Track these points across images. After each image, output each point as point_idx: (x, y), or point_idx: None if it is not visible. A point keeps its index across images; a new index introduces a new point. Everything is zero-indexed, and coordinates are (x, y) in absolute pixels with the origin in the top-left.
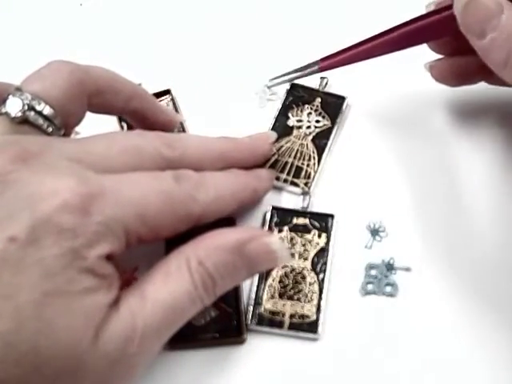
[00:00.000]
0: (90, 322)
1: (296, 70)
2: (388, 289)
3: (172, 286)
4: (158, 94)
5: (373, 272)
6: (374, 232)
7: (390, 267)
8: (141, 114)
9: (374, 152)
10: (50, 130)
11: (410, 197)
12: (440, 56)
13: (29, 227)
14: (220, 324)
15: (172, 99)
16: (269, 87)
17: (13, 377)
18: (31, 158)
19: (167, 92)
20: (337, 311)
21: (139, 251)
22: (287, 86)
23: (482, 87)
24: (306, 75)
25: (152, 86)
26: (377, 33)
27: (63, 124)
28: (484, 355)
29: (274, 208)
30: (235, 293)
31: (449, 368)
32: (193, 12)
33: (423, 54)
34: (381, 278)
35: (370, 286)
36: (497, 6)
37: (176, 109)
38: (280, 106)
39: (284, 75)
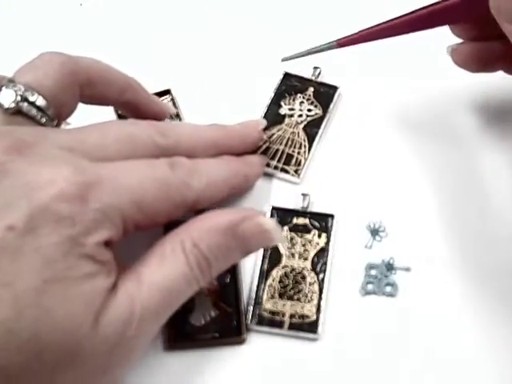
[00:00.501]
0: (90, 308)
1: (312, 50)
2: (388, 289)
3: (167, 269)
4: (158, 94)
5: (373, 272)
6: (374, 232)
7: (389, 267)
8: (134, 105)
9: (364, 141)
10: (44, 120)
11: (409, 196)
12: (461, 40)
13: (26, 216)
14: (220, 324)
15: (172, 99)
16: (283, 60)
17: (14, 363)
18: (26, 149)
19: (167, 92)
20: (337, 311)
21: (139, 239)
22: (281, 75)
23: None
24: (323, 50)
25: (152, 85)
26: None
27: (56, 114)
28: (484, 355)
29: (274, 208)
30: (235, 293)
31: (449, 368)
32: (193, 12)
33: (414, 42)
34: (381, 278)
35: (369, 286)
36: None
37: (176, 109)
38: (273, 94)
39: (298, 55)
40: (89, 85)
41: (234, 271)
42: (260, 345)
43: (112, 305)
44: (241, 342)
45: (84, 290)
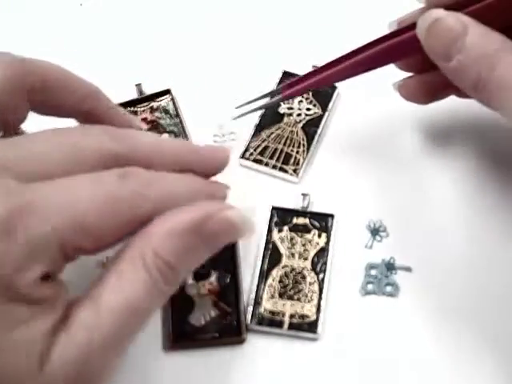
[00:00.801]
0: (31, 354)
1: (258, 98)
2: (388, 289)
3: (128, 288)
4: (158, 94)
5: (373, 272)
6: (374, 232)
7: (390, 267)
8: (95, 115)
9: (363, 140)
10: None
11: (409, 195)
12: (408, 74)
13: None
14: (220, 324)
15: (172, 99)
16: (234, 118)
17: None
18: None
19: (167, 92)
20: (337, 311)
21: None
22: (279, 76)
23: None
24: (269, 105)
25: (152, 86)
26: (339, 56)
27: (1, 123)
28: (485, 355)
29: (274, 208)
30: (235, 293)
31: (449, 368)
32: (193, 12)
33: None
34: (381, 278)
35: (370, 286)
36: (461, 27)
37: (176, 109)
38: None
39: (247, 103)
40: (41, 90)
41: (234, 271)
42: (260, 345)
43: (61, 342)
44: (241, 341)
45: (20, 338)
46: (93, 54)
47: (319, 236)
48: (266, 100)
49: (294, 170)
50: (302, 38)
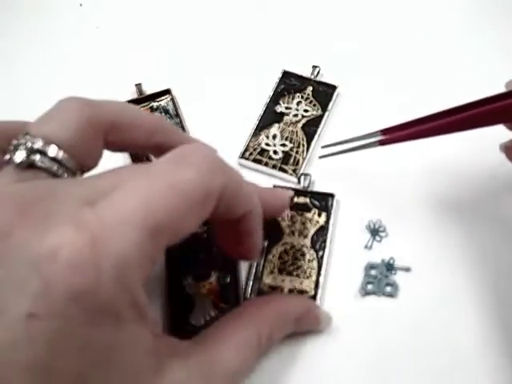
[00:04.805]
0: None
1: (352, 139)
2: (388, 289)
3: (242, 360)
4: (158, 94)
5: (373, 272)
6: (374, 232)
7: (389, 267)
8: (164, 147)
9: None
10: (60, 172)
11: (409, 195)
12: None
13: (44, 297)
14: None
15: (172, 99)
16: (320, 157)
17: None
18: (30, 207)
19: (167, 92)
20: (337, 311)
21: None
22: (279, 73)
23: None
24: (360, 149)
25: (152, 86)
26: (445, 108)
27: (78, 165)
28: (485, 355)
29: (275, 186)
30: (235, 293)
31: (449, 368)
32: (193, 12)
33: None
34: (381, 278)
35: (369, 286)
36: None
37: (176, 109)
38: (271, 93)
39: (336, 144)
40: (113, 131)
41: (234, 271)
42: None
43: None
44: None
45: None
46: (93, 54)
47: (319, 215)
48: (354, 143)
49: (294, 170)
50: (303, 37)
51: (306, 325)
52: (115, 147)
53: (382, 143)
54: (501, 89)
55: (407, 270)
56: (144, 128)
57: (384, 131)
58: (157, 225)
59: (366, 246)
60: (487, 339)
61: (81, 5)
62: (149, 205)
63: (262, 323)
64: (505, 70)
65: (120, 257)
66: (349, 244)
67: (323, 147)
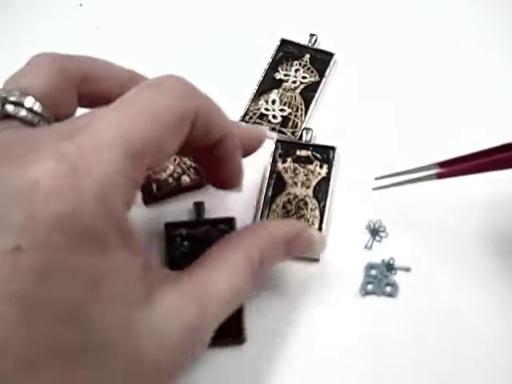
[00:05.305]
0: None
1: (407, 171)
2: (388, 289)
3: (235, 283)
4: None
5: (373, 272)
6: (374, 232)
7: (389, 267)
8: None
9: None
10: (36, 120)
11: (409, 195)
12: None
13: (28, 230)
14: (219, 324)
15: None
16: (374, 189)
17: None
18: (6, 151)
19: None
20: (337, 311)
21: None
22: (277, 41)
23: None
24: (419, 180)
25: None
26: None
27: (52, 115)
28: (485, 355)
29: (278, 141)
30: None
31: (449, 368)
32: (192, 11)
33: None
34: (381, 278)
35: (369, 286)
36: None
37: None
38: (270, 60)
39: (392, 175)
40: (85, 82)
41: None
42: (260, 345)
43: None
44: (240, 342)
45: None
46: (93, 54)
47: (321, 167)
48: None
49: (293, 133)
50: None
51: (299, 249)
52: (88, 100)
53: (439, 176)
54: None
55: (407, 270)
56: (115, 79)
57: (441, 164)
58: (135, 147)
59: (366, 246)
60: (487, 339)
61: (81, 5)
62: (126, 130)
63: (251, 247)
64: None
65: (100, 179)
66: (348, 245)
67: (377, 179)
